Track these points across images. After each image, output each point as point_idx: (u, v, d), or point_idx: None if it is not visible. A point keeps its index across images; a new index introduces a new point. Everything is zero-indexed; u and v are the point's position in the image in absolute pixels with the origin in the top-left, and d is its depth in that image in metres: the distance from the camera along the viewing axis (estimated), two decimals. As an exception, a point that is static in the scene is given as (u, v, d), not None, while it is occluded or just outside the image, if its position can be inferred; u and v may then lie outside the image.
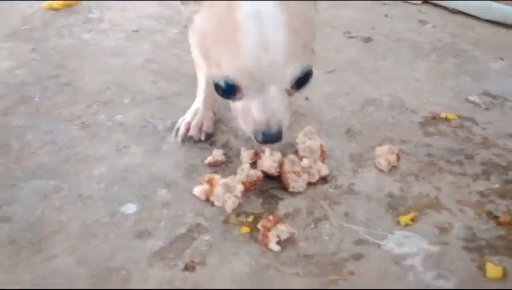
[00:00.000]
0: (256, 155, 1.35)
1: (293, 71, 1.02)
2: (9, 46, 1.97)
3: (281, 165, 1.30)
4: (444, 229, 1.18)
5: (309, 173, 1.30)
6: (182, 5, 1.12)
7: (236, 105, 1.10)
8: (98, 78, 1.76)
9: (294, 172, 1.28)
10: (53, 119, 1.53)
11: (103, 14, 2.29)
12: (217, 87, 1.06)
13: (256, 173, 1.28)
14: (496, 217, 1.22)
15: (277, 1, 0.99)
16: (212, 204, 1.23)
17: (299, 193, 1.27)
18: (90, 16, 2.27)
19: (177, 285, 1.03)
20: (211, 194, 1.23)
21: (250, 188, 1.27)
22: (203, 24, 1.06)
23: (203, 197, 1.24)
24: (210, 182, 1.25)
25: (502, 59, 2.00)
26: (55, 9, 2.29)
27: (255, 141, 1.11)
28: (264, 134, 1.08)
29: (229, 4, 1.00)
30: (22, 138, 1.44)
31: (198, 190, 1.25)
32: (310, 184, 1.29)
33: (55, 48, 1.97)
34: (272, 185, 1.30)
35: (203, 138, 1.45)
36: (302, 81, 1.05)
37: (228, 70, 1.02)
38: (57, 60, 1.88)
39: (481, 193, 1.30)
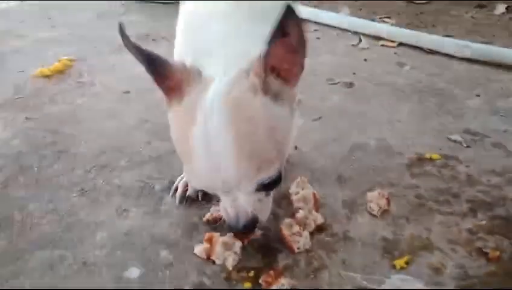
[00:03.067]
0: None
1: (249, 186, 1.06)
2: (4, 116, 2.03)
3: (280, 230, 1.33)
4: (437, 270, 1.23)
5: (305, 224, 1.35)
6: None
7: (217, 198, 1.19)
8: (93, 143, 1.82)
9: (294, 233, 1.32)
10: (53, 188, 1.57)
11: (94, 77, 2.37)
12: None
13: None
14: (485, 254, 1.27)
15: (230, 119, 1.01)
16: (214, 262, 1.27)
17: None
18: (81, 80, 2.35)
19: None
20: (211, 252, 1.27)
21: (247, 242, 1.31)
22: (171, 127, 1.12)
23: (204, 256, 1.28)
24: (210, 240, 1.29)
25: (478, 95, 2.09)
26: (47, 76, 2.37)
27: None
28: (232, 227, 1.16)
29: (188, 118, 1.03)
30: (23, 209, 1.48)
31: (199, 249, 1.29)
32: (306, 234, 1.34)
33: (49, 114, 2.03)
34: (269, 238, 1.35)
35: (200, 197, 1.50)
36: (269, 185, 1.08)
37: (193, 183, 1.14)
38: (53, 126, 1.94)
39: (470, 231, 1.36)
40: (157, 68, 1.06)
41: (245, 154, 1.01)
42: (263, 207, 1.16)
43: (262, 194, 1.14)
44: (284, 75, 1.07)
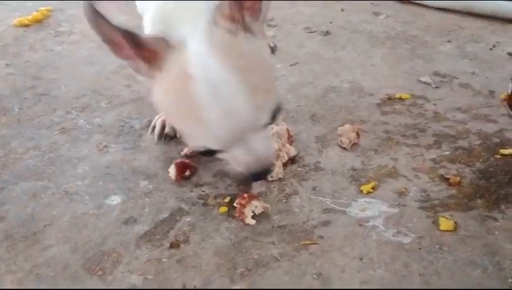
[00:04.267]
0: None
1: (262, 120, 1.08)
2: (-16, 63, 2.05)
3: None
4: (401, 194, 1.31)
5: (279, 156, 1.42)
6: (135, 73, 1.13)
7: (224, 155, 1.16)
8: (74, 86, 1.85)
9: None
10: (34, 127, 1.61)
11: (73, 26, 2.38)
12: (197, 151, 1.14)
13: None
14: (447, 179, 1.35)
15: (226, 62, 1.00)
16: (191, 191, 1.34)
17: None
18: (60, 29, 2.35)
19: (165, 261, 1.13)
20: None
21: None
22: (162, 99, 1.09)
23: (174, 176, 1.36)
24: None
25: (449, 42, 2.16)
26: (26, 26, 2.37)
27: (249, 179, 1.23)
28: (256, 174, 1.17)
29: (182, 79, 1.01)
30: (6, 146, 1.52)
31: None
32: (279, 165, 1.41)
33: (29, 61, 2.05)
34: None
35: (178, 134, 1.55)
36: (274, 114, 1.10)
37: (203, 142, 1.08)
38: (33, 72, 1.96)
39: (434, 160, 1.44)
40: (136, 40, 1.02)
41: (253, 89, 1.02)
42: (270, 145, 1.18)
43: (267, 130, 1.16)
44: (250, 13, 1.09)
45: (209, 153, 1.14)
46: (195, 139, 1.10)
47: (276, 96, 1.11)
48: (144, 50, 1.03)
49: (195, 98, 1.00)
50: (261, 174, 1.19)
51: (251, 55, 1.06)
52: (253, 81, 1.03)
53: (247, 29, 1.07)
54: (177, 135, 1.55)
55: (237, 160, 1.15)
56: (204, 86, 1.00)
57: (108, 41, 1.04)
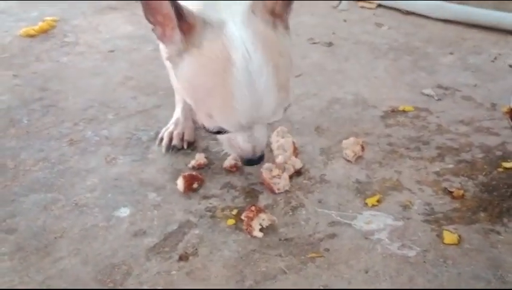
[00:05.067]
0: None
1: (278, 115, 1.14)
2: (-9, 74, 2.07)
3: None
4: (406, 207, 1.34)
5: (285, 168, 1.44)
6: (161, 43, 1.17)
7: (223, 137, 1.23)
8: (80, 98, 1.87)
9: (274, 176, 1.41)
10: (43, 139, 1.63)
11: (78, 37, 2.40)
12: (205, 128, 1.18)
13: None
14: (450, 193, 1.38)
15: (267, 56, 1.05)
16: (199, 202, 1.36)
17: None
18: (66, 40, 2.38)
19: (174, 273, 1.15)
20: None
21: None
22: (192, 75, 1.10)
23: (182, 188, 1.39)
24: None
25: (451, 53, 2.19)
26: (32, 36, 2.39)
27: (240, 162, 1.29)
28: (249, 160, 1.24)
29: (221, 60, 1.04)
30: (16, 158, 1.54)
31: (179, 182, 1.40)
32: (285, 178, 1.43)
33: (36, 72, 2.07)
34: (251, 181, 1.44)
35: (185, 146, 1.58)
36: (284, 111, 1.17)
37: (221, 123, 1.12)
38: (40, 83, 1.98)
39: (437, 173, 1.46)
40: (179, 10, 1.04)
41: (281, 85, 1.08)
42: (266, 136, 1.25)
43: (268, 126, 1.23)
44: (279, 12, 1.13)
45: (215, 133, 1.19)
46: (215, 119, 1.12)
47: (291, 93, 1.16)
48: (183, 22, 1.06)
49: (231, 82, 1.04)
50: (255, 161, 1.24)
51: (286, 53, 1.13)
52: (282, 79, 1.09)
53: (285, 26, 1.14)
54: (184, 147, 1.57)
55: (234, 144, 1.21)
56: (244, 74, 1.04)
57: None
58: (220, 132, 1.16)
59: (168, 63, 1.21)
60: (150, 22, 1.10)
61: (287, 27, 1.16)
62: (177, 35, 1.08)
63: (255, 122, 1.13)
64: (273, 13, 1.10)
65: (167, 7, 1.03)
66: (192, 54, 1.08)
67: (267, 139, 1.27)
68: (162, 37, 1.13)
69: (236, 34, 1.05)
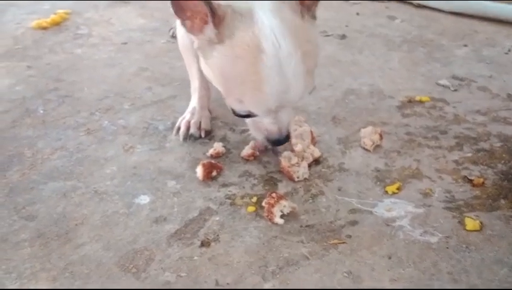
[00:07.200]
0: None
1: (303, 100, 1.21)
2: (6, 65, 2.07)
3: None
4: (426, 194, 1.33)
5: (303, 157, 1.44)
6: (191, 35, 1.20)
7: (251, 120, 1.28)
8: (96, 88, 1.87)
9: (293, 164, 1.41)
10: (60, 128, 1.63)
11: (91, 29, 2.41)
12: (234, 111, 1.22)
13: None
14: (470, 181, 1.37)
15: (296, 44, 1.09)
16: (218, 190, 1.36)
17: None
18: (79, 32, 2.38)
19: (196, 259, 1.15)
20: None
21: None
22: (224, 63, 1.14)
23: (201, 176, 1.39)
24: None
25: (465, 45, 2.18)
26: (44, 28, 2.39)
27: (267, 144, 1.33)
28: (275, 141, 1.28)
29: (252, 49, 1.08)
30: (33, 147, 1.54)
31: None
32: (304, 166, 1.43)
33: (50, 63, 2.08)
34: (270, 170, 1.44)
35: (203, 135, 1.58)
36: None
37: (251, 107, 1.17)
38: (54, 74, 1.98)
39: (456, 162, 1.46)
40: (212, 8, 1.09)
41: (309, 71, 1.14)
42: (290, 118, 1.28)
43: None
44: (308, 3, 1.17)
45: (243, 117, 1.25)
46: (245, 104, 1.16)
47: (315, 80, 1.20)
48: (215, 16, 1.10)
49: (262, 69, 1.08)
50: (282, 140, 1.28)
51: (313, 40, 1.17)
52: (309, 65, 1.13)
53: (312, 15, 1.18)
54: (202, 136, 1.57)
55: (261, 126, 1.27)
56: (274, 62, 1.08)
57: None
58: (248, 115, 1.21)
59: (197, 52, 1.24)
60: (179, 17, 1.15)
61: (314, 17, 1.19)
62: (208, 27, 1.12)
63: (283, 106, 1.17)
64: (301, 3, 1.13)
65: (199, 5, 1.08)
66: (224, 44, 1.12)
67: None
68: (192, 29, 1.17)
69: (265, 22, 1.09)
